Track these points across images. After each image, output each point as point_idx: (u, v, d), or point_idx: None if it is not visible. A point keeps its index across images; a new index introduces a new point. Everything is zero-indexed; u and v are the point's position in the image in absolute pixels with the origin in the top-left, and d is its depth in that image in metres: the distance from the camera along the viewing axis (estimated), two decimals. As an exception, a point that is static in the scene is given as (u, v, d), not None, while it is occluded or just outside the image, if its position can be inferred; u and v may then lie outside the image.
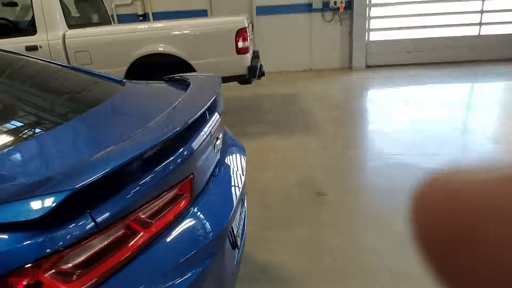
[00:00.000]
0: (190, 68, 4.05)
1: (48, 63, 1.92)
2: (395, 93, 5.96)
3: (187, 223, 1.15)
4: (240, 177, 1.58)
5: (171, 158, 1.09)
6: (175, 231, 1.10)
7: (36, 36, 3.93)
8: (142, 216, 1.00)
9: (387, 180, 3.19)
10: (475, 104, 5.46)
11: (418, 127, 4.38)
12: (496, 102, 5.35)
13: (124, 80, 1.94)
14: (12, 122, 1.33)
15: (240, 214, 1.65)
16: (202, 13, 7.51)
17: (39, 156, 1.08)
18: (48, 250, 0.78)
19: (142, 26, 4.37)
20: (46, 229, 0.78)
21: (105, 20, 4.99)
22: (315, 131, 4.52)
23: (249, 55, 4.10)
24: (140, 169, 1.00)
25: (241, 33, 3.95)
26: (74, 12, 4.53)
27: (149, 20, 7.58)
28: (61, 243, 0.80)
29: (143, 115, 1.38)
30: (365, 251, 2.34)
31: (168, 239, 1.07)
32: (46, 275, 0.79)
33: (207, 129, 1.30)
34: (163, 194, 1.07)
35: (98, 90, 1.78)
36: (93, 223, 0.85)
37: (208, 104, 1.30)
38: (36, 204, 0.77)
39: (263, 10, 7.59)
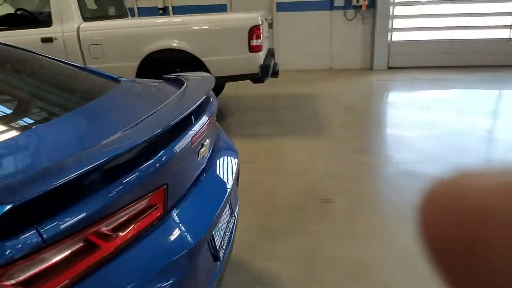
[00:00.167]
0: (202, 65, 3.99)
1: (45, 57, 1.89)
2: (416, 97, 5.74)
3: (157, 236, 1.09)
4: (228, 186, 1.51)
5: (139, 168, 1.02)
6: (141, 246, 1.04)
7: (52, 28, 3.96)
8: (104, 229, 0.94)
9: (398, 190, 3.05)
10: (502, 112, 5.19)
11: (438, 134, 4.20)
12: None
13: (120, 78, 1.90)
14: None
15: (228, 224, 1.58)
16: (221, 8, 7.46)
17: (3, 159, 1.03)
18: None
19: (154, 21, 4.34)
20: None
21: (122, 13, 4.99)
22: (327, 134, 4.40)
23: (262, 54, 4.01)
24: (101, 180, 0.94)
25: (254, 31, 3.87)
26: (91, 5, 4.55)
27: (169, 13, 7.58)
28: (1, 259, 0.75)
29: (125, 117, 1.32)
30: (365, 265, 2.23)
31: (133, 254, 1.01)
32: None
33: (188, 136, 1.23)
34: (130, 205, 1.01)
35: (89, 88, 1.74)
36: (39, 238, 0.79)
37: (190, 110, 1.23)
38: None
39: (283, 7, 7.47)
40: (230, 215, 1.65)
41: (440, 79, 6.54)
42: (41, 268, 0.82)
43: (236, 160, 1.76)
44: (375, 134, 4.52)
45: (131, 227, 1.02)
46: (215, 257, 1.38)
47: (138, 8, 7.60)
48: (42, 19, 4.15)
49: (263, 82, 4.31)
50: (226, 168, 1.61)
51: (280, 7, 7.49)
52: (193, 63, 4.00)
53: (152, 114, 1.25)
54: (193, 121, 1.34)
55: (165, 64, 4.07)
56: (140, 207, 1.05)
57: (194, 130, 1.28)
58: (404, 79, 6.68)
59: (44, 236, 0.80)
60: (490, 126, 4.59)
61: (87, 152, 0.94)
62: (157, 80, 2.04)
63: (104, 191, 0.93)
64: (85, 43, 3.94)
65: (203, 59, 3.95)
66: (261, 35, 3.95)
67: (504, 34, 7.03)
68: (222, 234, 1.49)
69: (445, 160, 3.53)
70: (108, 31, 3.98)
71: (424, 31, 7.19)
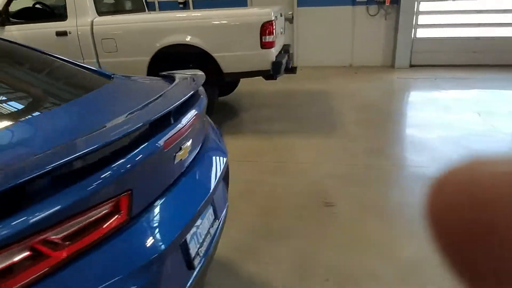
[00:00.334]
0: (213, 61, 3.96)
1: (41, 53, 1.90)
2: (437, 97, 5.51)
3: (119, 245, 1.07)
4: (208, 190, 1.47)
5: (98, 174, 0.99)
6: (100, 254, 1.01)
7: (66, 21, 4.02)
8: (54, 237, 0.92)
9: (407, 196, 2.93)
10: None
11: (456, 136, 4.02)
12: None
13: (114, 75, 1.89)
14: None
15: (209, 229, 1.54)
16: (242, 3, 7.39)
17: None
18: None
19: (165, 16, 4.32)
20: None
21: (138, 8, 5.01)
22: (339, 132, 4.29)
23: (274, 50, 3.93)
24: (52, 185, 0.92)
25: (266, 27, 3.79)
26: (107, -1, 4.59)
27: (189, 8, 7.58)
28: None
29: (99, 118, 1.29)
30: (363, 275, 2.15)
31: (89, 263, 0.99)
32: None
33: (159, 140, 1.19)
34: (86, 212, 0.98)
35: (77, 85, 1.73)
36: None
37: (158, 115, 1.18)
38: None
39: (305, 2, 7.33)
40: (214, 220, 1.61)
41: (464, 78, 6.26)
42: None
43: (224, 161, 1.71)
44: (390, 134, 4.38)
45: (88, 235, 1.00)
46: (189, 265, 1.34)
47: (159, 2, 7.63)
48: (57, 13, 4.21)
49: (276, 79, 4.24)
50: (209, 171, 1.57)
51: (301, 2, 7.35)
52: (204, 58, 3.97)
53: (125, 115, 1.22)
54: (171, 122, 1.30)
55: (176, 59, 4.06)
56: (100, 214, 1.02)
57: (168, 133, 1.24)
58: (426, 78, 6.43)
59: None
60: (513, 129, 4.36)
61: (42, 155, 0.92)
62: (152, 78, 2.02)
63: (55, 197, 0.91)
64: (98, 37, 3.98)
65: (214, 54, 3.91)
66: (274, 31, 3.87)
67: (536, 31, 6.66)
68: (200, 241, 1.45)
69: (460, 165, 3.36)
70: (120, 25, 4.00)
71: (450, 28, 6.89)
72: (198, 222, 1.45)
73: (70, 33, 3.99)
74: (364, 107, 5.17)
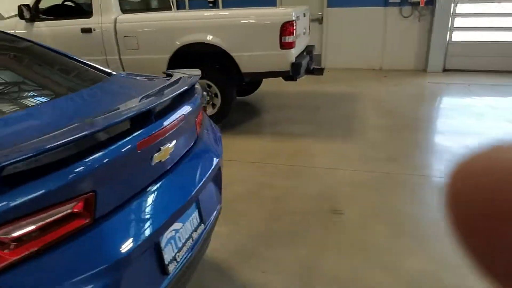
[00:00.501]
0: (232, 60, 3.93)
1: (44, 48, 1.92)
2: (469, 103, 5.22)
3: (79, 247, 1.04)
4: (189, 194, 1.42)
5: (55, 174, 0.97)
6: (56, 255, 0.99)
7: (91, 19, 4.11)
8: (4, 237, 0.90)
9: (423, 208, 2.77)
10: None
11: (485, 146, 3.76)
12: None
13: (114, 72, 1.88)
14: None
15: (191, 233, 1.49)
16: (271, 2, 7.33)
17: None
18: None
19: (186, 15, 4.33)
20: None
21: (164, 6, 5.07)
22: (359, 137, 4.14)
23: (293, 51, 3.84)
24: (3, 182, 0.90)
25: (286, 27, 3.71)
26: (132, -3, 4.66)
27: (218, 7, 7.61)
28: None
29: (85, 113, 1.28)
30: (366, 287, 2.04)
31: (45, 264, 0.97)
32: None
33: (130, 141, 1.16)
34: (42, 212, 0.96)
35: (73, 81, 1.74)
36: None
37: (130, 115, 1.15)
38: None
39: (335, 2, 7.17)
40: (199, 224, 1.56)
41: (500, 85, 5.89)
42: None
43: (214, 164, 1.66)
44: (415, 141, 4.17)
45: (44, 235, 0.98)
46: (163, 270, 1.30)
47: (189, 1, 7.71)
48: (83, 10, 4.33)
49: (295, 80, 4.15)
50: (194, 174, 1.52)
51: (331, 2, 7.20)
52: (224, 58, 3.95)
53: (101, 113, 1.20)
54: (150, 122, 1.27)
55: (196, 58, 4.06)
56: (58, 215, 1.00)
57: (143, 134, 1.21)
58: (459, 83, 6.11)
59: None
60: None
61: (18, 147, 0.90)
62: (153, 76, 2.00)
63: (5, 196, 0.89)
64: (121, 34, 4.05)
65: (232, 54, 3.88)
66: (294, 32, 3.78)
67: None
68: (179, 245, 1.41)
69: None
70: (142, 23, 4.05)
71: (487, 31, 6.50)
72: (177, 226, 1.41)
73: (94, 30, 4.08)
74: (390, 112, 4.97)
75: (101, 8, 4.09)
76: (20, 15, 4.15)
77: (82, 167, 1.01)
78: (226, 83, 4.09)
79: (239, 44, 3.84)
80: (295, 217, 2.72)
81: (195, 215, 1.55)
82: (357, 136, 4.19)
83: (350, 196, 2.96)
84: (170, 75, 1.86)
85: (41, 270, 0.97)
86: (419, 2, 6.53)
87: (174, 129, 1.37)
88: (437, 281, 2.05)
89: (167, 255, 1.33)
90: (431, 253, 2.26)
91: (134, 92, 1.53)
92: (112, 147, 1.10)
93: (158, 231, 1.24)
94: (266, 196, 3.02)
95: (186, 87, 1.52)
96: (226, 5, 7.56)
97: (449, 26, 6.56)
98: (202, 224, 1.58)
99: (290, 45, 3.79)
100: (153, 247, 1.27)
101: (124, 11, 4.20)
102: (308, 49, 4.67)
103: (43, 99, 1.47)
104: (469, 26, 6.61)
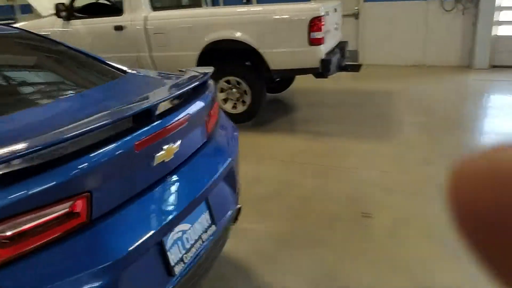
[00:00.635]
0: (259, 57, 3.85)
1: (65, 47, 1.93)
2: (518, 102, 4.84)
3: (76, 245, 1.00)
4: (195, 194, 1.36)
5: (47, 173, 0.93)
6: (53, 253, 0.96)
7: (123, 16, 4.17)
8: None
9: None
10: None
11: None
12: None
13: (129, 70, 1.86)
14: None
15: (201, 234, 1.43)
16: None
17: None
18: None
19: (213, 11, 4.29)
20: None
21: (195, 3, 5.06)
22: (395, 137, 3.93)
23: (323, 47, 3.70)
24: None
25: (315, 23, 3.58)
26: (163, -6, 4.69)
27: (252, 3, 7.54)
28: None
29: (85, 112, 1.24)
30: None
31: (40, 262, 0.94)
32: None
33: (127, 142, 1.10)
34: (35, 211, 0.93)
35: (86, 79, 1.72)
36: None
37: (124, 116, 1.10)
38: None
39: (373, -4, 6.90)
40: (210, 225, 1.50)
41: (554, 83, 5.42)
42: None
43: (225, 163, 1.59)
44: (454, 142, 3.90)
45: (39, 233, 0.95)
46: (169, 271, 1.25)
47: (223, -1, 7.70)
48: (116, 8, 4.39)
49: (326, 77, 4.01)
50: (202, 174, 1.46)
51: (369, -4, 6.93)
52: (252, 55, 3.88)
53: (101, 112, 1.16)
54: (151, 122, 1.22)
55: (224, 55, 4.02)
56: (53, 214, 0.96)
57: (142, 134, 1.16)
58: (507, 80, 5.69)
59: None
60: None
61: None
62: (169, 74, 1.96)
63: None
64: (151, 31, 4.07)
65: (260, 51, 3.79)
66: (323, 28, 3.64)
67: None
68: (187, 246, 1.35)
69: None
70: (171, 20, 4.05)
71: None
72: (184, 226, 1.35)
73: (125, 27, 4.14)
74: (429, 110, 4.69)
75: (132, 5, 4.13)
76: (57, 13, 4.28)
77: (76, 167, 0.97)
78: (255, 80, 4.02)
79: (267, 41, 3.75)
80: (321, 219, 2.60)
81: (205, 216, 1.48)
82: (392, 135, 3.98)
83: (381, 199, 2.79)
84: (184, 73, 1.81)
85: (36, 269, 0.94)
86: (463, -5, 6.14)
87: (178, 129, 1.31)
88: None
89: (173, 256, 1.28)
90: (467, 269, 2.04)
91: (142, 91, 1.49)
92: (107, 148, 1.05)
93: (160, 232, 1.19)
94: (293, 196, 2.92)
95: (189, 87, 1.45)
96: (260, 1, 7.48)
97: (496, 19, 6.12)
98: (214, 225, 1.52)
99: (319, 41, 3.65)
100: (156, 248, 1.22)
101: (154, 8, 4.22)
102: (341, 45, 4.49)
103: (51, 97, 1.46)
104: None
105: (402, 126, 4.22)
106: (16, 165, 0.91)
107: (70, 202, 0.98)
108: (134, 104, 1.25)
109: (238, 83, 4.03)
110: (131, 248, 1.09)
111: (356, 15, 7.19)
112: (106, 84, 1.62)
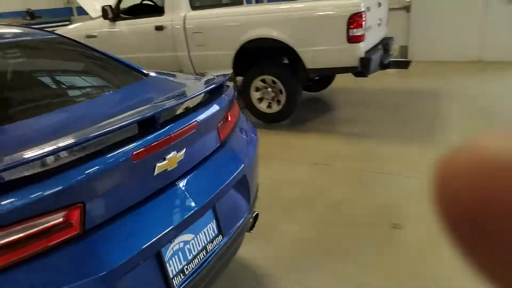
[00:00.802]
0: (296, 56, 3.76)
1: (91, 50, 1.99)
2: None
3: (67, 256, 1.02)
4: (199, 204, 1.34)
5: (36, 184, 0.95)
6: (43, 264, 0.98)
7: (164, 16, 4.26)
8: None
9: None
10: None
11: None
12: None
13: (150, 73, 1.88)
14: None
15: (206, 246, 1.41)
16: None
17: None
18: None
19: (250, 10, 4.24)
20: None
21: (236, 1, 5.05)
22: (440, 141, 3.66)
23: (362, 45, 3.53)
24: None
25: (354, 19, 3.42)
26: (202, -7, 4.72)
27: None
28: None
29: (90, 119, 1.26)
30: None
31: (29, 273, 0.97)
32: None
33: (123, 152, 1.10)
34: (24, 222, 0.96)
35: (106, 83, 1.76)
36: None
37: (123, 123, 1.09)
38: None
39: (426, -13, 6.49)
40: (216, 235, 1.47)
41: None
42: None
43: (237, 171, 1.55)
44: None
45: (29, 244, 0.98)
46: (167, 283, 1.24)
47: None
48: (158, 8, 4.50)
49: (366, 76, 3.83)
50: (209, 182, 1.43)
51: (422, -12, 6.53)
52: (288, 53, 3.80)
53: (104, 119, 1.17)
54: (154, 130, 1.21)
55: (260, 54, 3.98)
56: (43, 226, 0.99)
57: (140, 144, 1.15)
58: None
59: None
60: None
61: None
62: (188, 77, 1.96)
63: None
64: (190, 31, 4.12)
65: (297, 49, 3.70)
66: (364, 24, 3.47)
67: None
68: (189, 258, 1.34)
69: None
70: (208, 19, 4.07)
71: None
72: (187, 237, 1.34)
73: (165, 27, 4.23)
74: (484, 111, 4.33)
75: (172, 5, 4.21)
76: (104, 15, 4.47)
77: (67, 179, 0.99)
78: (291, 79, 3.93)
79: (303, 39, 3.65)
80: (349, 228, 2.49)
81: (212, 225, 1.46)
82: (439, 139, 3.72)
83: (416, 210, 2.61)
84: (203, 75, 1.80)
85: (27, 278, 0.97)
86: (529, -17, 5.58)
87: (184, 137, 1.29)
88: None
89: (172, 268, 1.27)
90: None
91: (154, 96, 1.49)
92: (101, 158, 1.06)
93: (158, 243, 1.18)
94: (323, 201, 2.83)
95: (199, 92, 1.43)
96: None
97: None
98: (221, 235, 1.49)
99: (358, 39, 3.49)
100: (153, 259, 1.21)
101: (194, 7, 4.27)
102: (384, 42, 4.26)
103: (59, 105, 1.50)
104: None
105: (451, 128, 3.93)
106: (6, 175, 0.94)
107: (62, 213, 1.00)
108: (138, 111, 1.25)
109: (274, 82, 3.97)
110: (124, 260, 1.09)
111: (407, 8, 6.82)
112: (122, 88, 1.64)
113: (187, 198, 1.32)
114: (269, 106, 4.08)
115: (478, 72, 5.91)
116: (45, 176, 0.98)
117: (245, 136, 1.84)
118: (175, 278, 1.27)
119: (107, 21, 4.56)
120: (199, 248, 1.39)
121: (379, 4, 3.99)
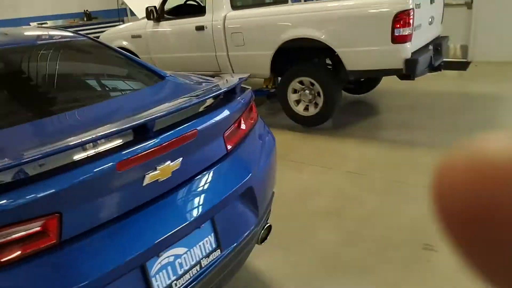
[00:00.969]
0: (336, 57, 3.58)
1: (115, 52, 2.01)
2: None
3: (41, 267, 1.01)
4: (192, 216, 1.28)
5: (11, 192, 0.94)
6: (14, 275, 0.97)
7: (205, 16, 4.27)
8: None
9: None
10: None
11: None
12: None
13: (168, 76, 1.85)
14: None
15: (201, 259, 1.35)
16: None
17: None
18: None
19: (288, 9, 4.09)
20: None
21: (279, 0, 4.93)
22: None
23: (409, 45, 3.27)
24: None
25: (401, 17, 3.18)
26: (244, -7, 4.66)
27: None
28: None
29: (93, 123, 1.25)
30: None
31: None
32: None
33: (104, 162, 1.06)
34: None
35: (122, 85, 1.75)
36: None
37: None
38: None
39: (491, -18, 5.94)
40: (214, 249, 1.41)
41: None
42: None
43: (241, 182, 1.47)
44: None
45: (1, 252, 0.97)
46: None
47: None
48: (200, 8, 4.52)
49: (413, 79, 3.56)
50: (207, 193, 1.36)
51: (486, -18, 5.99)
52: (327, 54, 3.63)
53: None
54: (150, 135, 1.17)
55: (299, 54, 3.86)
56: (16, 234, 0.98)
57: (127, 153, 1.11)
58: None
59: None
60: None
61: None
62: (206, 79, 1.90)
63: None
64: (229, 31, 4.09)
65: (337, 50, 3.52)
66: (411, 22, 3.21)
67: None
68: (179, 272, 1.28)
69: None
70: (247, 19, 4.01)
71: None
72: (178, 250, 1.28)
73: (206, 27, 4.23)
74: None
75: (213, 5, 4.20)
76: (147, 16, 4.57)
77: (44, 188, 0.97)
78: (329, 81, 3.76)
79: (344, 39, 3.46)
80: (375, 245, 2.31)
81: (209, 239, 1.39)
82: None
83: (455, 228, 2.37)
84: (220, 78, 1.74)
85: (1, 286, 0.96)
86: None
87: (179, 146, 1.24)
88: None
89: (159, 283, 1.22)
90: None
91: (161, 101, 1.45)
92: (82, 168, 1.03)
93: (142, 256, 1.14)
94: (350, 215, 2.65)
95: (204, 98, 1.36)
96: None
97: None
98: (219, 250, 1.42)
99: (404, 39, 3.24)
100: (137, 273, 1.17)
101: (234, 7, 4.23)
102: (437, 42, 3.93)
103: (66, 108, 1.51)
104: None
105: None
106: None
107: (39, 223, 0.98)
108: (131, 119, 1.21)
109: (312, 84, 3.82)
110: (102, 273, 1.06)
111: (469, 4, 6.29)
112: (132, 92, 1.63)
113: (179, 210, 1.27)
114: (306, 109, 3.94)
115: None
116: (21, 184, 0.96)
117: (259, 144, 1.75)
118: (163, 293, 1.22)
119: (151, 22, 4.66)
120: (192, 263, 1.33)
121: (432, 1, 3.68)
